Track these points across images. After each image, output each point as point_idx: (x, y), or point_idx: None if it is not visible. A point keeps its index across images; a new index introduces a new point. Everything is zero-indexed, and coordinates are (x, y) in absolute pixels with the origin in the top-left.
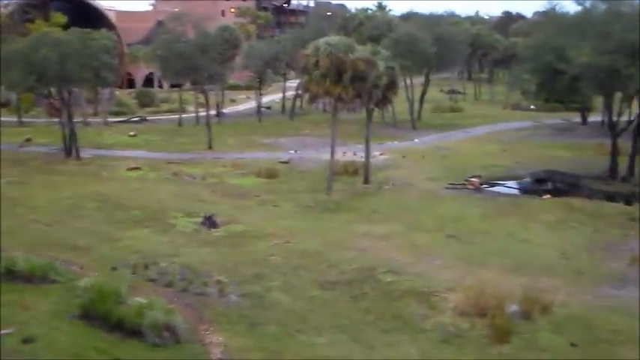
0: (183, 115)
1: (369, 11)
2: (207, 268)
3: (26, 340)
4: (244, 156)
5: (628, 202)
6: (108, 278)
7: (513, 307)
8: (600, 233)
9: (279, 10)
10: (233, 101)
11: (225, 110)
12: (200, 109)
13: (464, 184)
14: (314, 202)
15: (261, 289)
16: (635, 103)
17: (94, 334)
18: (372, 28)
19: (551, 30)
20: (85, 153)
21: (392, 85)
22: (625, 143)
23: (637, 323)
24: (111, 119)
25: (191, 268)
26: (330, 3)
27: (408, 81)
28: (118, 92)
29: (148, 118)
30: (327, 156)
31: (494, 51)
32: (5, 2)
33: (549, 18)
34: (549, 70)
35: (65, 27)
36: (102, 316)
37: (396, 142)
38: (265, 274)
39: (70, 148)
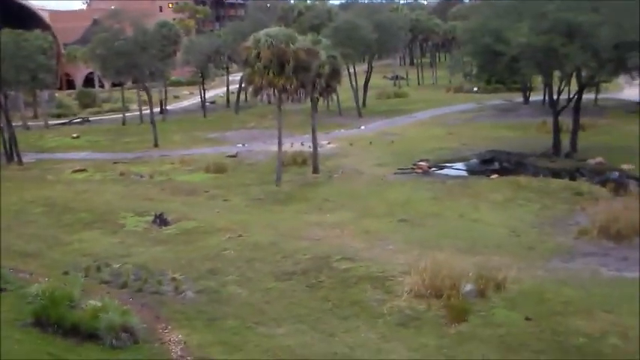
0: (127, 114)
1: (309, 1)
2: (161, 267)
3: None
4: (191, 152)
5: (572, 178)
6: (60, 283)
7: (468, 287)
8: (547, 209)
9: (217, 4)
10: (177, 98)
11: (169, 107)
12: (143, 107)
13: (412, 168)
14: (264, 194)
15: (216, 284)
16: (573, 80)
17: (48, 341)
18: (312, 17)
19: (488, 12)
20: (27, 157)
21: (335, 74)
22: (566, 120)
23: (586, 294)
24: (52, 122)
25: (145, 268)
26: None
27: (351, 69)
28: (57, 94)
29: (90, 118)
30: (274, 148)
31: (435, 35)
32: None
33: (486, 1)
34: (489, 52)
35: None
36: (55, 321)
37: (342, 131)
38: (220, 269)
39: (11, 152)
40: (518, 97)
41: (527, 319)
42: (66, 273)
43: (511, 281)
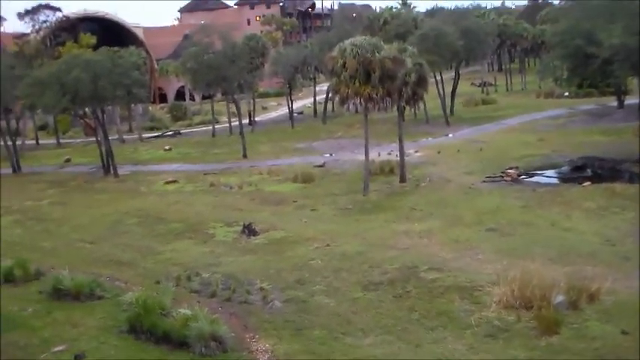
0: (217, 126)
1: (394, 9)
2: (249, 276)
3: (78, 357)
4: (279, 162)
5: None
6: (152, 291)
7: (560, 298)
8: None
9: (304, 15)
10: (265, 109)
11: (257, 118)
12: (232, 119)
13: (501, 176)
14: (352, 203)
15: (304, 293)
16: None
17: (142, 347)
18: (397, 25)
19: (579, 14)
20: (123, 170)
21: (421, 82)
22: None
23: None
24: (145, 135)
25: (233, 277)
26: (354, 4)
27: (438, 76)
28: (150, 108)
29: (181, 131)
30: (361, 157)
31: (523, 40)
32: (37, 27)
33: (576, 2)
34: (580, 55)
35: (95, 47)
36: (148, 329)
37: (430, 139)
38: (307, 279)
39: (108, 165)
40: (612, 101)
41: (623, 332)
42: (158, 282)
43: (605, 293)
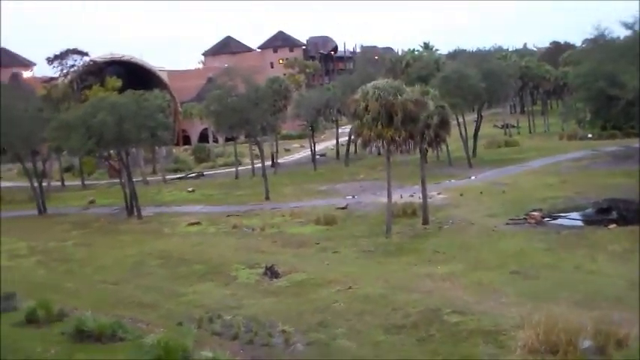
0: (240, 168)
1: (416, 52)
2: (271, 319)
3: None
4: (302, 204)
5: None
6: (174, 334)
7: (586, 343)
8: None
9: (326, 58)
10: (287, 151)
11: (280, 160)
12: (255, 161)
13: (525, 218)
14: (374, 245)
15: (326, 336)
16: None
17: None
18: (419, 68)
19: (601, 56)
20: (146, 211)
21: (444, 124)
22: None
23: None
24: (169, 176)
25: (255, 320)
26: (376, 47)
27: (460, 119)
28: (174, 149)
29: (204, 173)
30: (384, 199)
31: (546, 82)
32: (65, 72)
33: (599, 44)
34: (603, 97)
35: (120, 90)
36: None
37: (452, 181)
38: (330, 322)
39: (132, 207)
40: (636, 143)
41: None
42: (180, 324)
43: (634, 338)
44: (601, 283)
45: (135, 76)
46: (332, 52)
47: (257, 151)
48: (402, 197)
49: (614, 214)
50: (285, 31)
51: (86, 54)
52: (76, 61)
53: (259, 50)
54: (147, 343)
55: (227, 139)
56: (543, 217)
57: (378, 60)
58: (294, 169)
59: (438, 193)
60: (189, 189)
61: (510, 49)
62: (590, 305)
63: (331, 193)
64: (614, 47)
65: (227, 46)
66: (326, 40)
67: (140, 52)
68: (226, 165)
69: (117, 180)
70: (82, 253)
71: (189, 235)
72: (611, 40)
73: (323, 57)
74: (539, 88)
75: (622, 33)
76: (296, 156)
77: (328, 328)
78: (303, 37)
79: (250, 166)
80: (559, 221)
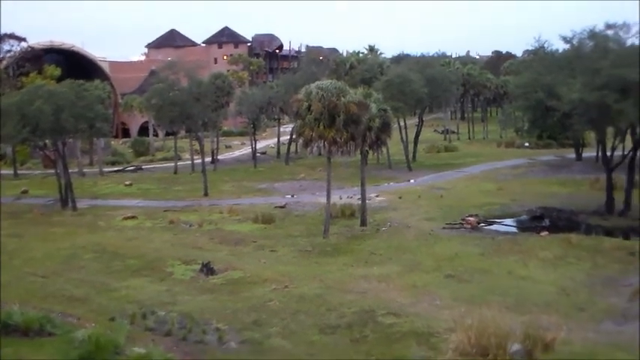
0: (179, 163)
1: (361, 54)
2: (205, 316)
3: None
4: (241, 202)
5: (626, 237)
6: (106, 329)
7: (515, 346)
8: (599, 268)
9: (271, 56)
10: (228, 147)
11: (220, 157)
12: (195, 157)
13: (461, 223)
14: (311, 245)
15: (260, 335)
16: (628, 137)
17: None
18: (363, 71)
19: (541, 68)
20: (81, 203)
21: (385, 127)
22: (620, 177)
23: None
24: (106, 169)
25: (190, 316)
26: (321, 47)
27: (402, 122)
28: (113, 142)
29: (143, 166)
30: (323, 199)
31: (486, 90)
32: (0, 57)
33: (539, 56)
34: (541, 107)
35: (59, 79)
36: None
37: (392, 184)
38: (264, 320)
39: (66, 198)
40: (571, 153)
41: None
42: (112, 319)
43: (560, 342)
44: (531, 288)
45: (75, 65)
46: (277, 51)
47: (197, 146)
48: (341, 198)
49: (546, 222)
50: (230, 27)
51: (24, 39)
52: (12, 46)
53: (204, 45)
54: (77, 338)
55: (167, 134)
56: (479, 223)
57: (322, 60)
58: (234, 166)
59: (377, 196)
60: (127, 182)
61: (454, 56)
62: (521, 310)
63: (270, 191)
64: (553, 60)
65: (171, 40)
66: (271, 38)
67: (82, 41)
68: (165, 159)
69: (51, 170)
70: (12, 244)
71: (124, 229)
72: (551, 52)
73: (268, 55)
74: (479, 96)
75: (561, 46)
76: (236, 153)
77: (262, 327)
78: (248, 34)
79: (190, 162)
80: (494, 227)
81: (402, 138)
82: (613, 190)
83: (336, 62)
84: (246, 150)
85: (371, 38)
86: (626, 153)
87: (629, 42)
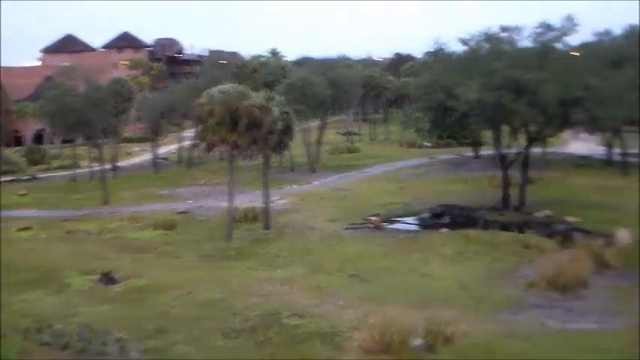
0: (78, 171)
1: (263, 58)
2: (106, 327)
3: None
4: (142, 209)
5: (521, 231)
6: None
7: (418, 341)
8: (497, 262)
9: (172, 61)
10: (128, 154)
11: (120, 163)
12: (94, 164)
13: (364, 223)
14: (215, 250)
15: (163, 343)
16: (522, 135)
17: None
18: (266, 74)
19: (440, 69)
20: None
21: (288, 130)
22: (515, 174)
23: (534, 346)
24: None
25: (89, 328)
26: (222, 51)
27: (304, 125)
28: (5, 150)
29: (38, 175)
30: (226, 204)
31: (387, 91)
32: None
33: (438, 58)
34: (440, 107)
35: None
36: None
37: (295, 186)
38: (168, 328)
39: None
40: (469, 152)
41: None
42: (2, 336)
43: (460, 335)
44: (433, 284)
45: None
46: (178, 55)
47: (96, 153)
48: (243, 202)
49: (446, 219)
50: (130, 32)
51: None
52: None
53: (102, 50)
54: None
55: (64, 141)
56: (381, 222)
57: (224, 64)
58: (135, 173)
59: (280, 199)
60: (21, 192)
61: (355, 59)
62: (423, 306)
63: (172, 197)
64: (451, 62)
65: (68, 44)
66: (172, 42)
67: None
68: (62, 168)
69: None
70: None
71: (19, 241)
72: (449, 54)
73: (168, 59)
74: (381, 97)
75: (459, 48)
76: (137, 159)
77: (166, 335)
78: (148, 39)
79: (88, 169)
80: (396, 226)
81: (304, 140)
82: (508, 187)
83: (238, 66)
84: (147, 156)
85: (273, 42)
86: (520, 151)
87: (521, 44)
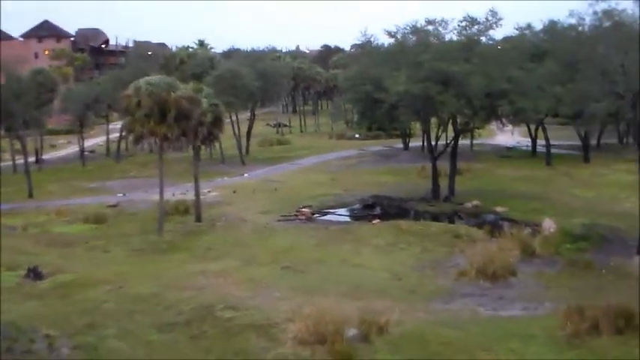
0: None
1: (191, 49)
2: (33, 323)
3: None
4: (69, 202)
5: (451, 221)
6: None
7: (352, 331)
8: (428, 252)
9: (97, 52)
10: (53, 147)
11: (45, 156)
12: (17, 157)
13: (295, 215)
14: (146, 244)
15: (94, 338)
16: (450, 127)
17: None
18: (194, 65)
19: (368, 61)
20: None
21: (217, 122)
22: (444, 165)
23: (465, 334)
24: None
25: (15, 325)
26: (150, 42)
27: (234, 117)
28: None
29: None
30: (156, 197)
31: (317, 83)
32: None
33: (366, 50)
34: (369, 99)
35: None
36: None
37: (225, 178)
38: (99, 323)
39: None
40: (399, 144)
41: None
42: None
43: (393, 324)
44: (366, 275)
45: None
46: (103, 46)
47: (19, 146)
48: (174, 195)
49: (377, 210)
50: (51, 21)
51: None
52: None
53: (22, 39)
54: None
55: None
56: (313, 214)
57: (151, 56)
58: (61, 166)
59: (211, 191)
60: None
61: (284, 51)
62: (356, 296)
63: (101, 190)
64: (379, 54)
65: None
66: (96, 32)
67: None
68: None
69: None
70: None
71: None
72: (377, 46)
73: (93, 50)
74: (310, 89)
75: (387, 40)
76: (63, 152)
77: (97, 330)
78: (71, 29)
79: (11, 162)
80: (328, 217)
81: (234, 132)
82: (438, 178)
83: (165, 57)
84: (74, 149)
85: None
86: (448, 142)
87: (447, 37)
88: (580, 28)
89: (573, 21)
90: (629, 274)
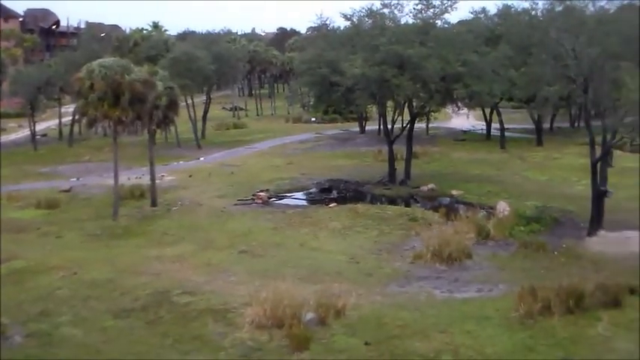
0: None
1: (145, 31)
2: None
3: None
4: (21, 187)
5: (407, 204)
6: None
7: (309, 315)
8: (385, 235)
9: (47, 33)
10: (4, 130)
11: None
12: None
13: (252, 199)
14: (100, 229)
15: (48, 326)
16: (406, 111)
17: None
18: (148, 48)
19: (324, 44)
20: None
21: (172, 105)
22: (401, 149)
23: (421, 316)
24: None
25: None
26: (102, 24)
27: (190, 100)
28: None
29: None
30: (110, 181)
31: (272, 66)
32: None
33: (322, 33)
34: (325, 83)
35: None
36: None
37: (181, 162)
38: (52, 310)
39: None
40: (355, 127)
41: (366, 343)
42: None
43: (351, 308)
44: (323, 258)
45: None
46: (53, 27)
47: None
48: (129, 179)
49: (334, 194)
50: None
51: None
52: None
53: None
54: None
55: None
56: (270, 198)
57: (104, 37)
58: (12, 150)
59: (166, 175)
60: None
61: (239, 33)
62: (313, 280)
63: (54, 175)
64: (335, 37)
65: None
66: (46, 13)
67: None
68: None
69: None
70: None
71: None
72: (333, 29)
73: (43, 31)
74: (266, 72)
75: (342, 23)
76: (13, 136)
77: (51, 317)
78: (19, 9)
79: None
80: (285, 201)
81: (190, 116)
82: (394, 161)
83: (118, 39)
84: (25, 133)
85: (154, 15)
86: (404, 125)
87: (403, 20)
88: (533, 12)
89: (527, 5)
90: (581, 256)
